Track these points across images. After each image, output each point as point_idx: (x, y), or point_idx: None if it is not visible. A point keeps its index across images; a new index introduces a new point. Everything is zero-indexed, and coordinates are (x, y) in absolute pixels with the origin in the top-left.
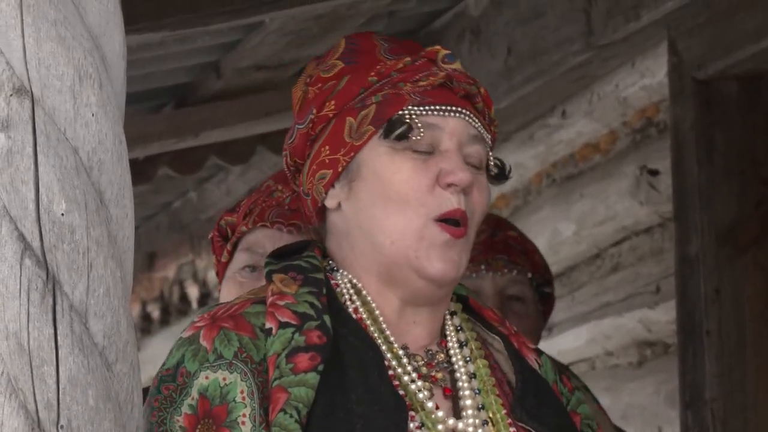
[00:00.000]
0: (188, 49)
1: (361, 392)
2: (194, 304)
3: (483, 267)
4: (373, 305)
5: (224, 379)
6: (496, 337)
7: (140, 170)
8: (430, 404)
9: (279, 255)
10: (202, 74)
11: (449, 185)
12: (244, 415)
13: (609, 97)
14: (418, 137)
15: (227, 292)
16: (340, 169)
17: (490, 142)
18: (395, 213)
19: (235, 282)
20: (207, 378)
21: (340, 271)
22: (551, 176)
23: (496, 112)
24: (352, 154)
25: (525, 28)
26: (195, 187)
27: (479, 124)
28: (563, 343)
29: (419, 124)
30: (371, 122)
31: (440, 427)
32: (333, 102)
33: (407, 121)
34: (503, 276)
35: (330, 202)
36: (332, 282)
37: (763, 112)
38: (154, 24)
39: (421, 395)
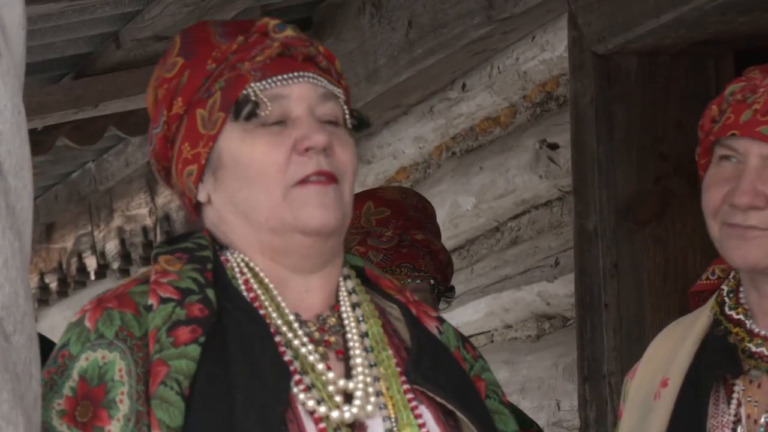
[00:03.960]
0: (88, 20)
1: (243, 364)
2: (92, 276)
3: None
4: (262, 275)
5: (103, 357)
6: (394, 305)
7: (39, 141)
8: (320, 366)
9: (169, 242)
10: (101, 45)
11: (306, 150)
12: (122, 393)
13: (509, 71)
14: (267, 112)
15: None
16: (203, 162)
17: (343, 96)
18: (260, 191)
19: None
20: (87, 359)
21: (230, 249)
22: (451, 149)
23: (397, 85)
24: (211, 144)
25: (426, 1)
26: (94, 158)
27: (326, 81)
28: (462, 316)
29: (265, 99)
30: (219, 108)
31: (330, 387)
32: (180, 99)
33: (253, 98)
34: (407, 285)
35: (201, 196)
36: (222, 258)
37: (663, 88)
38: None
39: (311, 358)
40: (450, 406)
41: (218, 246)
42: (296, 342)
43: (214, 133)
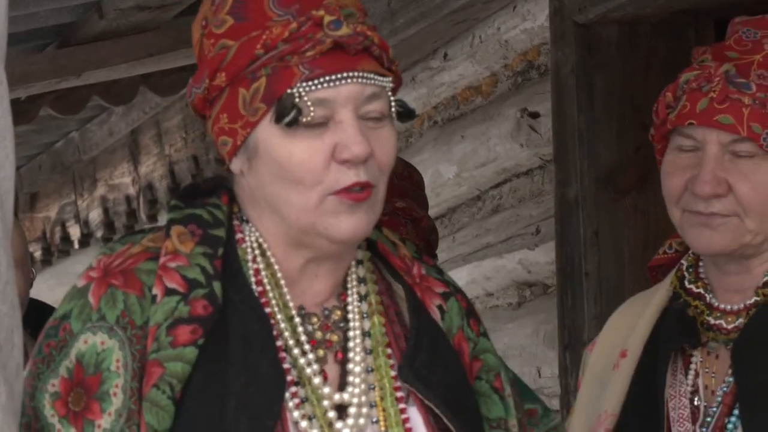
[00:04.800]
0: None
1: (241, 367)
2: (76, 245)
3: None
4: (276, 267)
5: (102, 342)
6: (400, 286)
7: (22, 110)
8: (317, 379)
9: (190, 192)
10: (84, 14)
11: (346, 161)
12: (116, 386)
13: (490, 40)
14: (309, 118)
15: None
16: (239, 142)
17: (391, 85)
18: (294, 193)
19: None
20: (86, 342)
21: (249, 224)
22: (433, 118)
23: None
24: (249, 129)
25: None
26: (77, 127)
27: (375, 77)
28: None
29: (309, 103)
30: (262, 99)
31: (325, 402)
32: (224, 74)
33: (296, 102)
34: None
35: (235, 167)
36: (238, 236)
37: (643, 57)
38: None
39: (309, 370)
40: (438, 411)
41: (238, 213)
42: (296, 351)
43: (254, 120)
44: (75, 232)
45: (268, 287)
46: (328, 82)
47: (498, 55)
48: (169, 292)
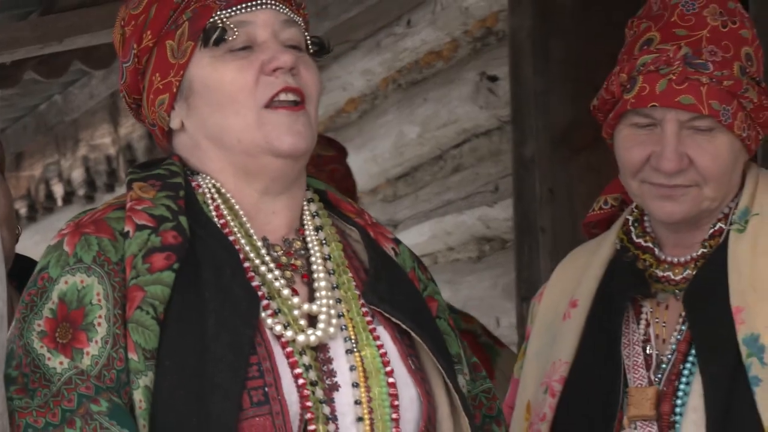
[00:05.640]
0: None
1: (214, 290)
2: (59, 202)
3: None
4: (233, 201)
5: (82, 281)
6: (353, 228)
7: (7, 74)
8: (286, 291)
9: (142, 167)
10: None
11: (274, 70)
12: (100, 317)
13: (451, 7)
14: (234, 37)
15: None
16: (174, 90)
17: (303, 24)
18: (232, 114)
19: None
20: (66, 283)
21: (201, 174)
22: (397, 81)
23: (345, 21)
24: (181, 72)
25: None
26: (60, 91)
27: (288, 9)
28: (407, 239)
29: (231, 25)
30: (188, 38)
31: (296, 312)
32: (149, 32)
33: (220, 25)
34: None
35: (174, 123)
36: (194, 184)
37: (597, 22)
38: None
39: (277, 284)
40: (405, 327)
41: (189, 171)
42: (263, 268)
43: (184, 61)
44: (58, 190)
45: (229, 218)
46: (245, 8)
47: (458, 21)
48: (139, 227)
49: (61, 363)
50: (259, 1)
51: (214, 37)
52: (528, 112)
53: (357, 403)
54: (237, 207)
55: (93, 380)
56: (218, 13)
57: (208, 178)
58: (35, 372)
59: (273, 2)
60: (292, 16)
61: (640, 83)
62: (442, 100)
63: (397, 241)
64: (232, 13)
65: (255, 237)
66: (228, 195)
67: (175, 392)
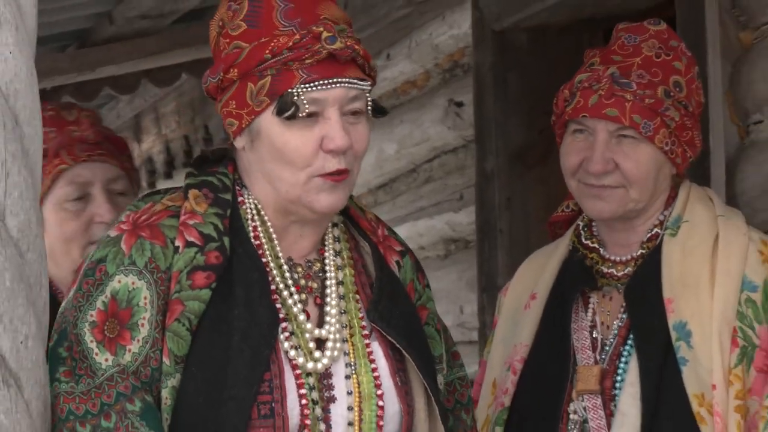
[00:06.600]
0: (86, 1)
1: (243, 308)
2: None
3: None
4: (269, 224)
5: (133, 283)
6: (366, 244)
7: (48, 98)
8: (301, 317)
9: (201, 160)
10: (98, 21)
11: (331, 150)
12: (144, 318)
13: (424, 44)
14: (304, 114)
15: (53, 220)
16: (244, 125)
17: (369, 87)
18: (287, 171)
19: (62, 210)
20: (119, 282)
21: (247, 190)
22: None
23: None
24: (253, 116)
25: None
26: None
27: (358, 82)
28: None
29: (305, 101)
30: (266, 94)
31: (307, 335)
32: (236, 70)
33: (295, 100)
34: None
35: (238, 144)
36: (239, 199)
37: (548, 58)
38: None
39: (295, 309)
40: (398, 345)
41: (239, 181)
42: (285, 293)
43: (258, 110)
44: None
45: (263, 240)
46: (322, 85)
47: (430, 56)
48: (188, 244)
49: (106, 360)
50: (335, 80)
51: (287, 114)
52: (489, 134)
53: (350, 424)
54: (272, 230)
55: (131, 378)
56: (298, 86)
57: (252, 197)
58: (83, 361)
59: (347, 81)
60: (362, 87)
61: (578, 97)
62: (416, 122)
63: (403, 254)
64: (310, 89)
65: (282, 258)
66: (266, 218)
67: (196, 397)
